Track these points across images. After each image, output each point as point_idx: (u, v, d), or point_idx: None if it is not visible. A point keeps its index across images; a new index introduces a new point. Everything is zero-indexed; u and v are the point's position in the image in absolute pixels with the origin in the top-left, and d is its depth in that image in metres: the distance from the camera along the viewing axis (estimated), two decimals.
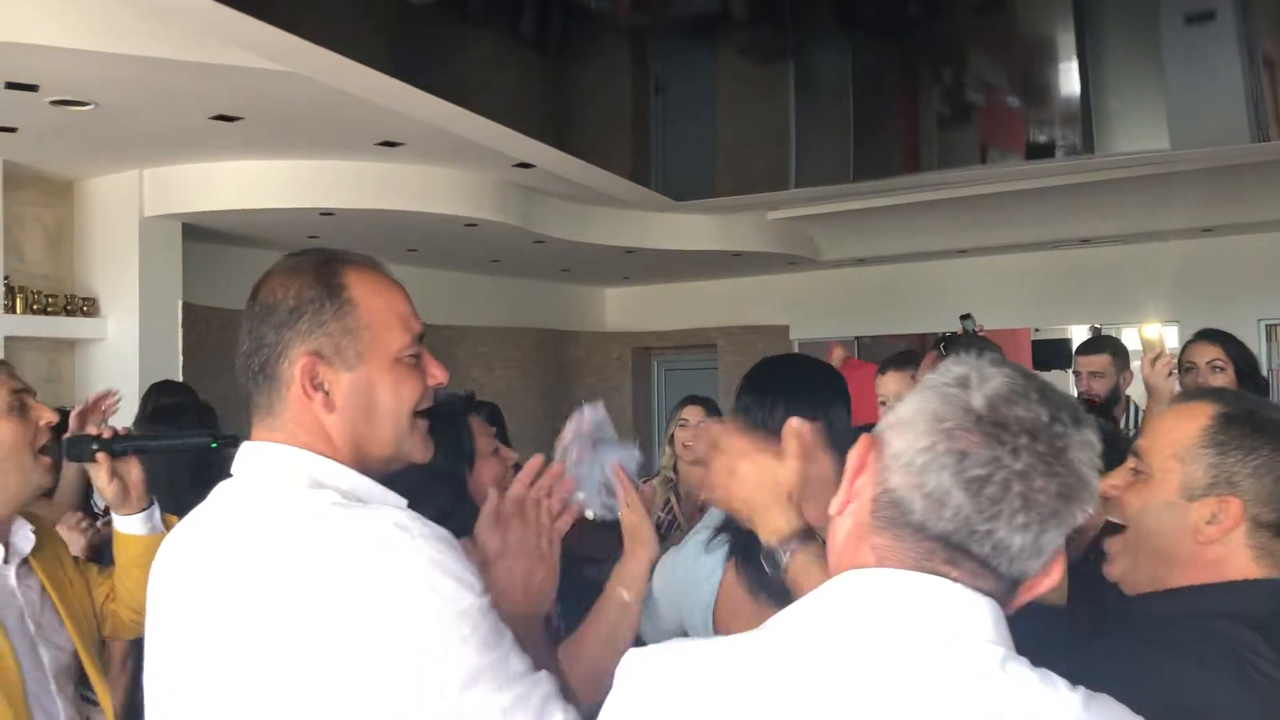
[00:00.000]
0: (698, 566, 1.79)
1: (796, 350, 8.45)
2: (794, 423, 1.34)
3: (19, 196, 5.20)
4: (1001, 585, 0.90)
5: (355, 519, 1.09)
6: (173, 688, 1.16)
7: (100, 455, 1.88)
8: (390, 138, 4.82)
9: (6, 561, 1.75)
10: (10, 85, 3.85)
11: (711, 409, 4.06)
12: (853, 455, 0.97)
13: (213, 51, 3.65)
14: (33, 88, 3.90)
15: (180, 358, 5.57)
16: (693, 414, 4.01)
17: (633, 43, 5.91)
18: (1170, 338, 7.42)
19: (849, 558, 0.94)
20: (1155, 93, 5.77)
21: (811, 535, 1.30)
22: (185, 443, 2.24)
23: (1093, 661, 1.13)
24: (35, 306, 5.20)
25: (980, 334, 4.66)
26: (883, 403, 3.23)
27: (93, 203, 5.53)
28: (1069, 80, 5.87)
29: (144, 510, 1.98)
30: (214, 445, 2.01)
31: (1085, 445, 0.90)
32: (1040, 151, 6.09)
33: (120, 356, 5.40)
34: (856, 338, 8.08)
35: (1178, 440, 1.33)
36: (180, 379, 5.48)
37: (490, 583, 1.23)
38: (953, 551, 0.89)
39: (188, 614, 1.15)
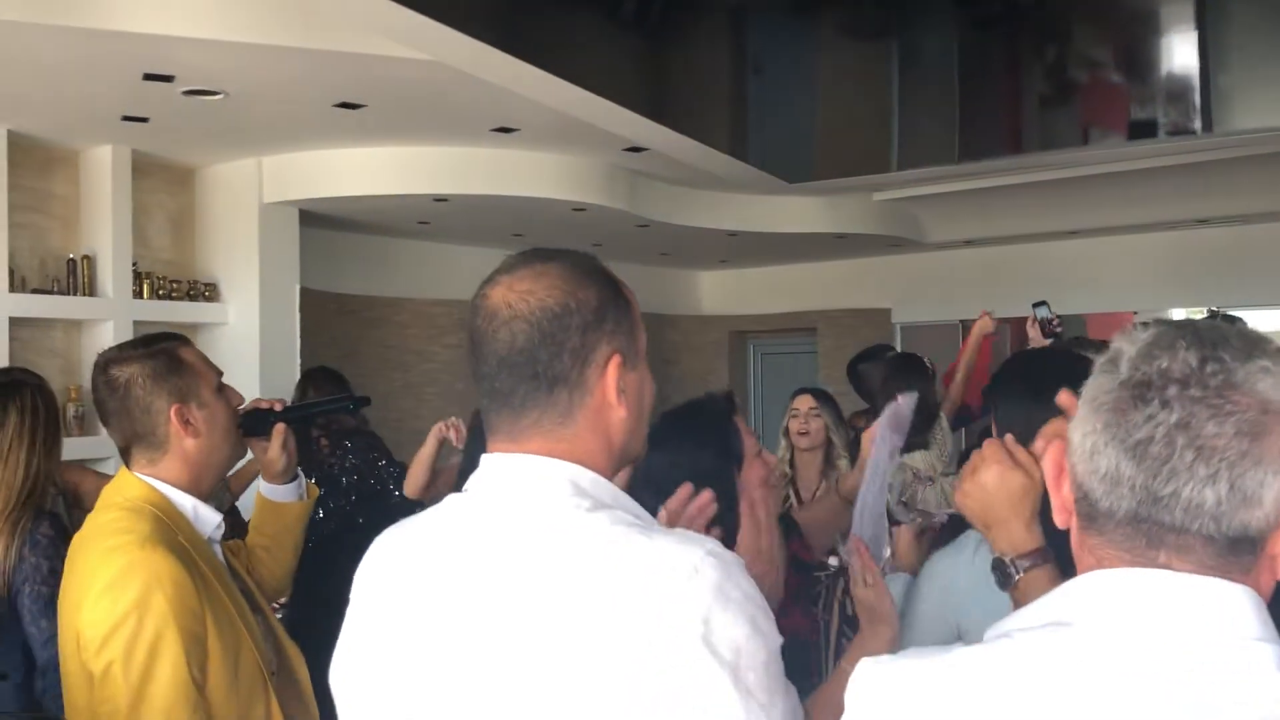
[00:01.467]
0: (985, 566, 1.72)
1: (899, 334, 8.35)
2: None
3: (144, 184, 5.35)
4: (1217, 548, 0.83)
5: (668, 546, 1.02)
6: (404, 710, 1.10)
7: (278, 426, 1.97)
8: (505, 124, 4.85)
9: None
10: (148, 77, 3.96)
11: (823, 398, 4.03)
12: (1047, 463, 0.95)
13: (343, 39, 3.71)
14: (168, 78, 4.00)
15: (298, 342, 5.69)
16: (802, 403, 3.98)
17: (731, 22, 5.85)
18: None
19: (1081, 565, 0.91)
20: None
21: (1047, 556, 1.28)
22: (333, 406, 2.72)
23: None
24: (160, 292, 5.36)
25: (1055, 322, 4.40)
26: None
27: (213, 190, 5.67)
28: (1185, 55, 5.67)
29: (296, 479, 2.10)
30: (352, 407, 2.36)
31: (1266, 371, 0.83)
32: (1147, 131, 5.91)
33: (241, 340, 5.54)
34: (961, 321, 7.93)
35: None
36: (299, 362, 5.62)
37: None
38: (1150, 529, 0.84)
39: (445, 639, 1.07)
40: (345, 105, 4.47)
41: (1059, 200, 6.97)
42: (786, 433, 3.99)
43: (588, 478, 1.10)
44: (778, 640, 1.03)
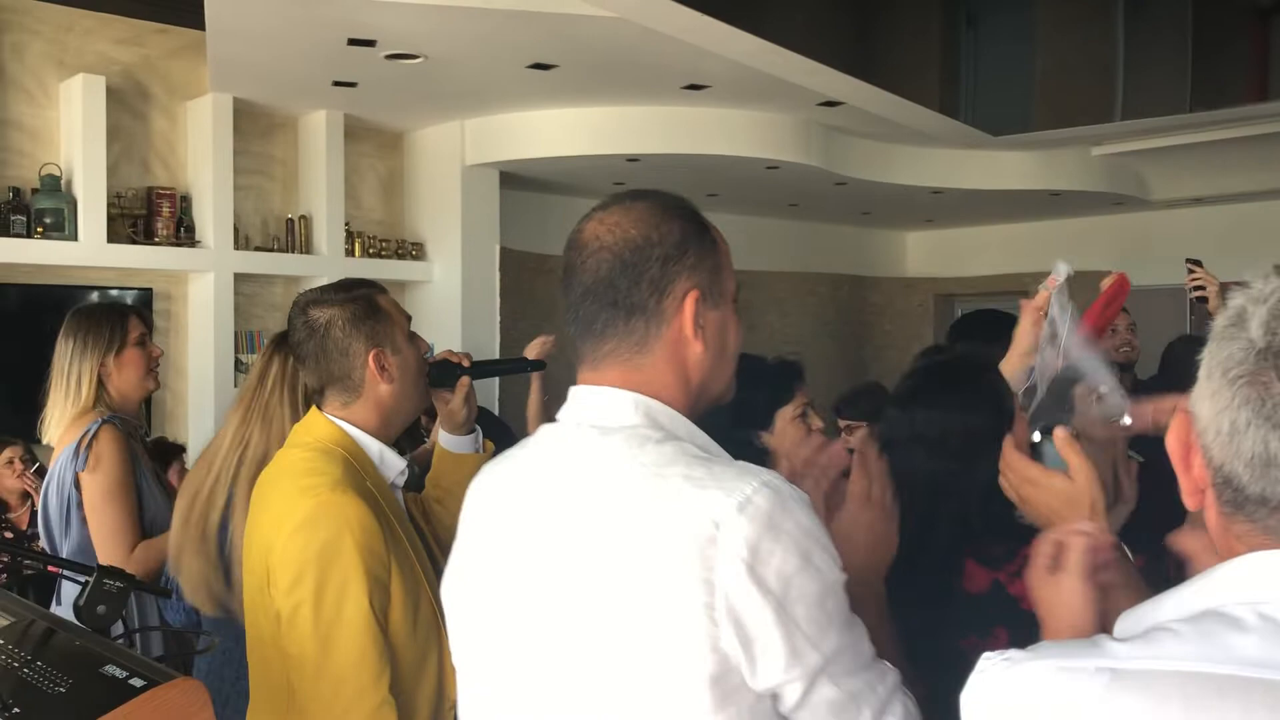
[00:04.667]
0: None
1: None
2: (1060, 435, 1.27)
3: (356, 148, 5.63)
4: None
5: (725, 476, 1.04)
6: (496, 623, 1.16)
7: (463, 380, 2.01)
8: (697, 80, 4.81)
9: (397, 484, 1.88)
10: (352, 41, 4.14)
11: None
12: (1172, 439, 0.83)
13: None
14: (370, 43, 4.16)
15: (498, 300, 5.87)
16: None
17: None
18: None
19: (1226, 550, 0.80)
20: None
21: (1120, 548, 1.20)
22: (516, 367, 2.56)
23: None
24: (371, 250, 5.64)
25: (1192, 278, 3.76)
26: None
27: (419, 152, 5.89)
28: None
29: (474, 432, 2.13)
30: (529, 368, 2.47)
31: None
32: None
33: (444, 298, 5.76)
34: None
35: None
36: (498, 320, 5.80)
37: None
38: None
39: (525, 562, 1.13)
40: (538, 66, 4.54)
41: None
42: None
43: (663, 411, 1.13)
44: (837, 576, 1.03)
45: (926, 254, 9.20)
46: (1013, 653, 0.82)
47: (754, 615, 0.98)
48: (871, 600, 1.27)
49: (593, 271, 1.14)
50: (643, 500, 1.04)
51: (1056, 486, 1.27)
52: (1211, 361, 0.78)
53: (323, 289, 1.87)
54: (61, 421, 2.58)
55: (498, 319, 5.86)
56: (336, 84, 4.79)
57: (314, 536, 1.63)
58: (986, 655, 0.83)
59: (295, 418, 2.09)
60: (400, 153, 5.96)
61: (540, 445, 1.19)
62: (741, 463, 1.09)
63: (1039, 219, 8.23)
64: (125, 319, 2.72)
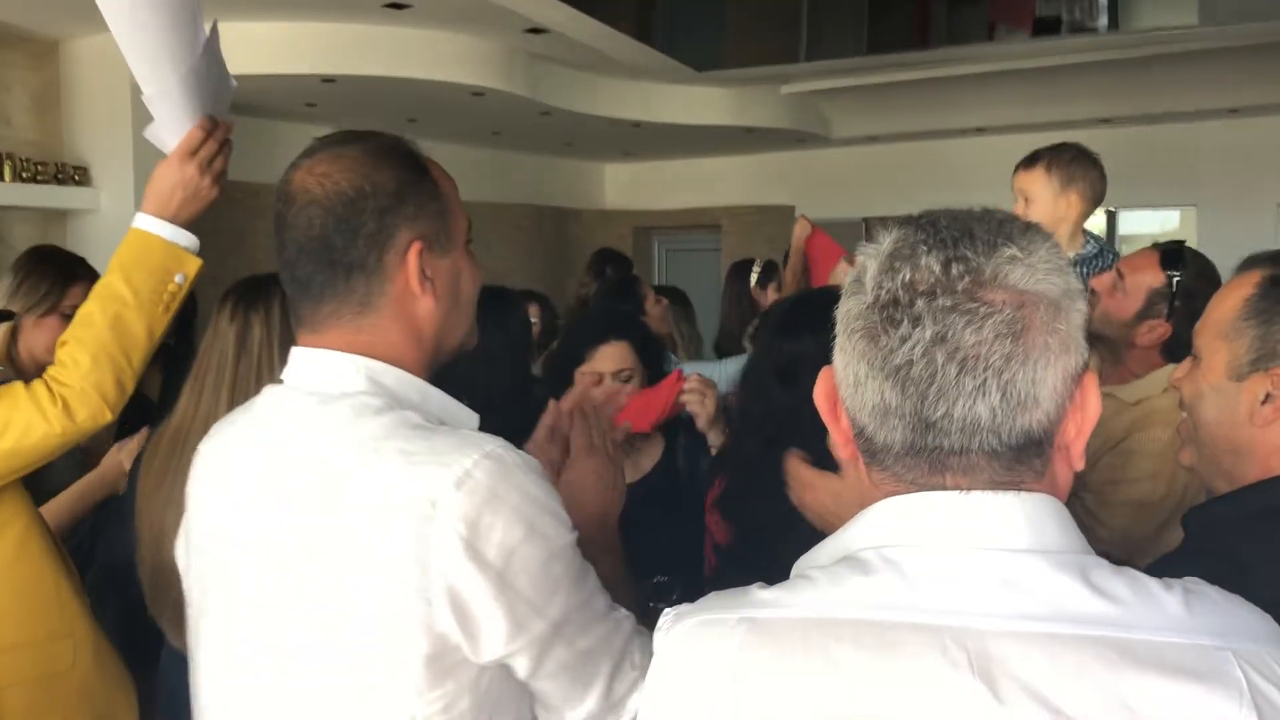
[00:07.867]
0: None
1: None
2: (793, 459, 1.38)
3: (4, 58, 4.93)
4: (1004, 461, 0.76)
5: (444, 449, 0.99)
6: (220, 613, 1.12)
7: None
8: None
9: None
10: None
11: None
12: (818, 394, 0.86)
13: None
14: None
15: None
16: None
17: None
18: (1189, 221, 7.33)
19: (871, 497, 0.84)
20: None
21: None
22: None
23: None
24: (25, 174, 4.98)
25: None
26: None
27: (80, 65, 5.25)
28: None
29: None
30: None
31: (1014, 260, 0.75)
32: (1052, 28, 5.87)
33: (115, 228, 5.19)
34: (864, 218, 7.92)
35: (1221, 316, 1.21)
36: None
37: (561, 490, 1.19)
38: (931, 456, 0.77)
39: (251, 533, 1.07)
40: None
41: (965, 97, 6.95)
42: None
43: (390, 374, 1.07)
44: (566, 539, 1.02)
45: (624, 186, 9.34)
46: (683, 607, 0.85)
47: (473, 592, 0.96)
48: (607, 548, 1.28)
49: (304, 228, 1.06)
50: (358, 478, 0.99)
51: (832, 487, 1.33)
52: (840, 319, 0.81)
53: None
54: None
55: None
56: None
57: None
58: (665, 611, 0.85)
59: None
60: (57, 64, 5.29)
61: (262, 411, 1.13)
62: (465, 431, 1.03)
63: (727, 154, 8.54)
64: (70, 283, 2.32)
